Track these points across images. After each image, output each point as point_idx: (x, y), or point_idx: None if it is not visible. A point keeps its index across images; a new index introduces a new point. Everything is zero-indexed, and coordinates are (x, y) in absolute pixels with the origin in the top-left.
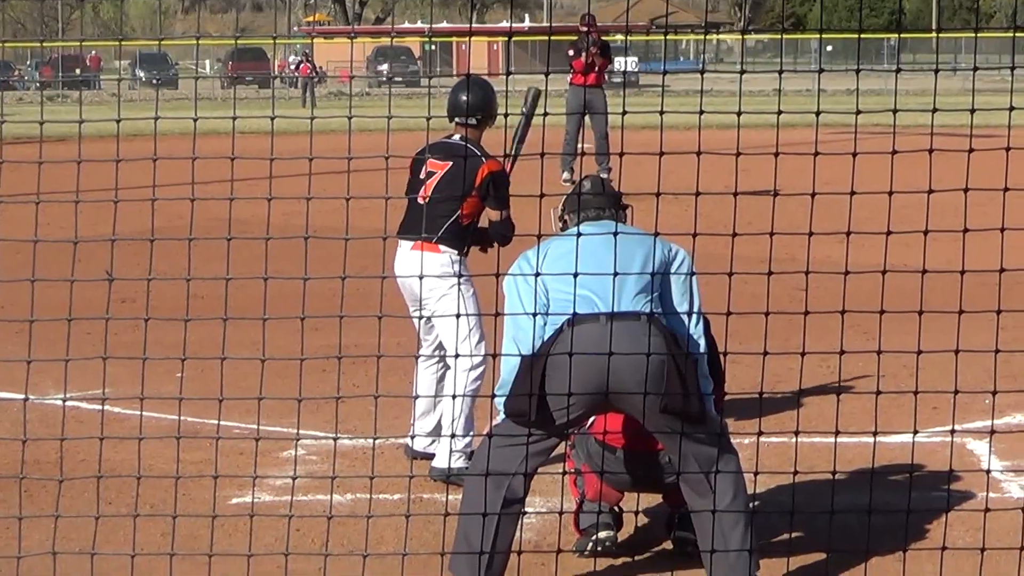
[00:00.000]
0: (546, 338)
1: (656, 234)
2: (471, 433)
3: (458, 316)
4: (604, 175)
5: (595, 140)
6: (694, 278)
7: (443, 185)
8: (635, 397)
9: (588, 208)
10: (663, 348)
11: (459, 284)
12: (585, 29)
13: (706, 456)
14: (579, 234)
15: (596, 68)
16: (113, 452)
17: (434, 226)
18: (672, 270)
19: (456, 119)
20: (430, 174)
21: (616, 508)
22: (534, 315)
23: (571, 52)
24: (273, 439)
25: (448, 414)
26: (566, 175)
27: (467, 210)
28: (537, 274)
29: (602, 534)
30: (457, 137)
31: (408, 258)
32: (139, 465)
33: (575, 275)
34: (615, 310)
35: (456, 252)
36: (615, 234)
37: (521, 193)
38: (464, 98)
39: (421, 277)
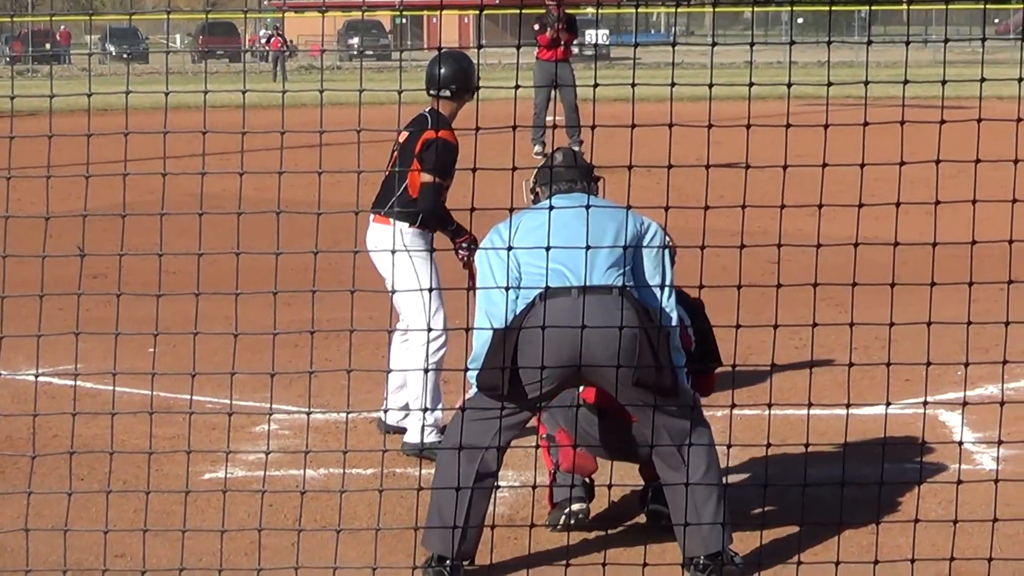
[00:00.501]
0: (518, 312)
1: (628, 207)
2: (439, 406)
3: (409, 290)
4: (576, 147)
5: (565, 112)
6: (666, 251)
7: (399, 157)
8: (607, 370)
9: (560, 181)
10: (635, 321)
11: (410, 256)
12: (552, 2)
13: (679, 429)
14: (551, 207)
15: (562, 42)
16: (85, 428)
17: (385, 199)
18: (644, 243)
19: (430, 92)
20: (396, 146)
21: (588, 480)
22: (506, 289)
23: (536, 27)
24: (246, 414)
25: (413, 388)
26: (537, 148)
27: (412, 180)
28: (509, 248)
29: (575, 507)
30: (427, 109)
31: (369, 231)
32: (111, 441)
33: (547, 249)
34: (587, 284)
35: (407, 224)
36: (587, 207)
37: (492, 167)
38: (437, 71)
39: (368, 251)
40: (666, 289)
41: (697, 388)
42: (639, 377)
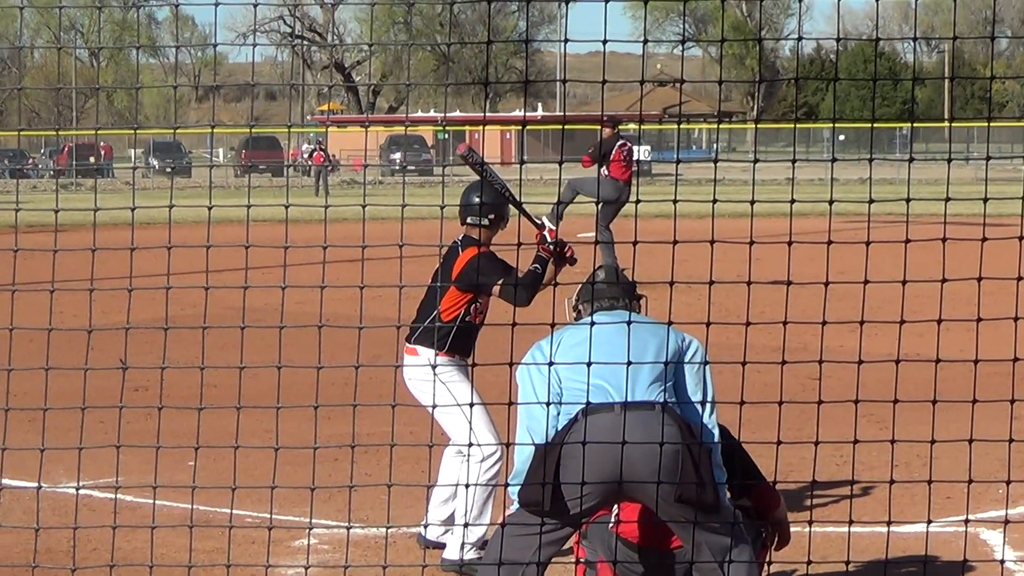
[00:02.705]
0: (559, 427)
1: (670, 323)
2: (486, 523)
3: (434, 407)
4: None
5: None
6: (707, 367)
7: (430, 288)
8: (649, 486)
9: (602, 298)
10: (677, 437)
11: (439, 381)
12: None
13: (720, 546)
14: (592, 323)
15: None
16: (125, 541)
17: (413, 328)
18: (686, 359)
19: (467, 220)
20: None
21: None
22: (547, 404)
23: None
24: (285, 528)
25: (463, 504)
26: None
27: (445, 304)
28: (551, 363)
29: None
30: (459, 238)
31: (404, 363)
32: (151, 554)
33: (588, 364)
34: (629, 399)
35: (435, 352)
36: (628, 323)
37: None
38: (475, 199)
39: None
40: (708, 405)
41: (762, 504)
42: (681, 493)
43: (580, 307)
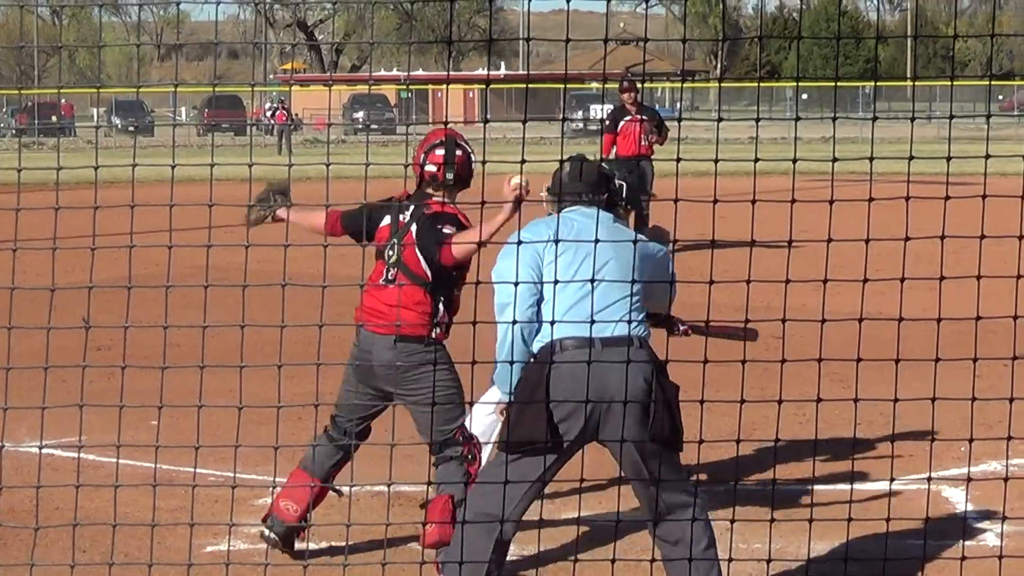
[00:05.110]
0: (535, 345)
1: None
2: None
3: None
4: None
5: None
6: (674, 275)
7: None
8: (624, 424)
9: (575, 192)
10: (651, 375)
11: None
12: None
13: (680, 503)
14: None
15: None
16: (88, 500)
17: None
18: (657, 273)
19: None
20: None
21: None
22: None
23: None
24: (249, 487)
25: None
26: None
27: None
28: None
29: None
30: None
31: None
32: (114, 513)
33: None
34: (605, 331)
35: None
36: (602, 241)
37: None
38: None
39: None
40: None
41: None
42: (654, 433)
43: (550, 199)
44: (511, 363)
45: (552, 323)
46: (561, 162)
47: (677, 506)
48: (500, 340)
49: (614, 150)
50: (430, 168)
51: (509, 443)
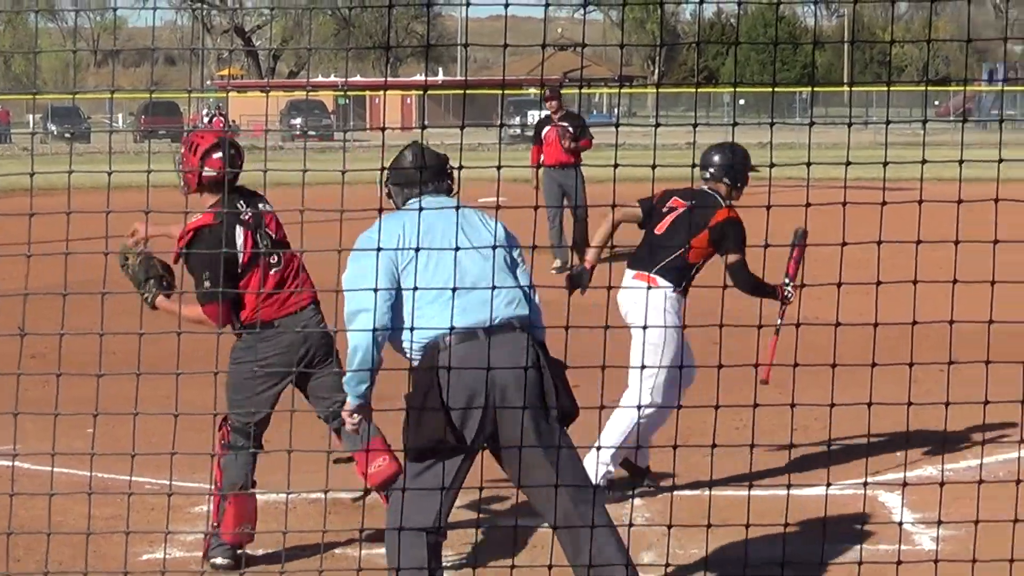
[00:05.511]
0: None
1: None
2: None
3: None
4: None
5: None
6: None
7: (673, 224)
8: (520, 411)
9: (421, 181)
10: (540, 358)
11: (668, 312)
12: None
13: (583, 501)
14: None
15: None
16: (23, 508)
17: (648, 259)
18: (515, 254)
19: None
20: (666, 211)
21: None
22: (417, 290)
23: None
24: (184, 494)
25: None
26: (557, 263)
27: (693, 246)
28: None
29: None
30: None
31: (626, 286)
32: (49, 521)
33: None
34: (493, 319)
35: (672, 288)
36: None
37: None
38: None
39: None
40: (535, 292)
41: None
42: (561, 404)
43: (395, 190)
44: (369, 371)
45: (411, 329)
46: (401, 150)
47: (578, 508)
48: (353, 348)
49: (541, 159)
50: (209, 172)
51: (415, 451)
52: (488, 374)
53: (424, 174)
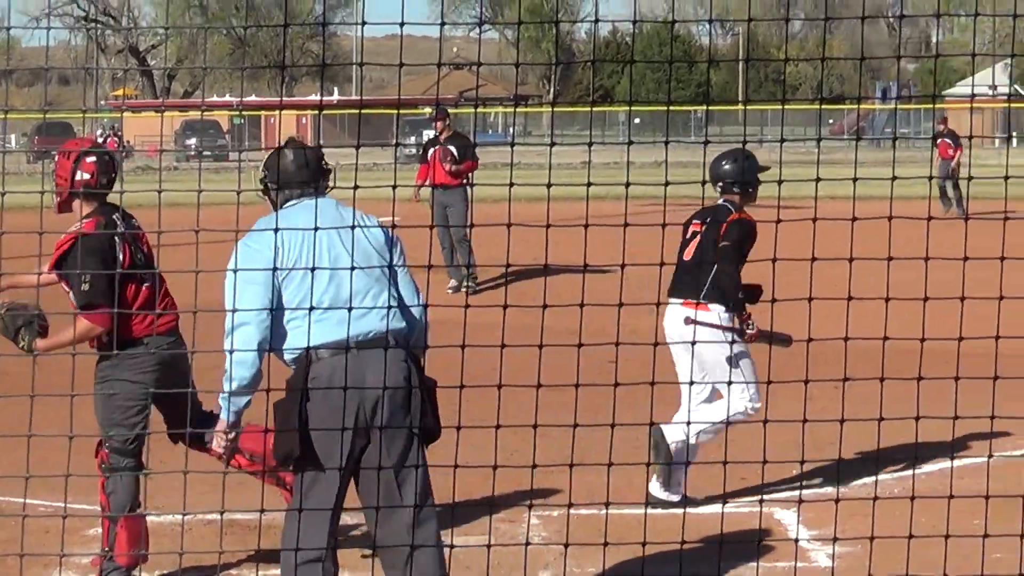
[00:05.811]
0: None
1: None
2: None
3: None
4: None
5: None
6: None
7: (700, 246)
8: (395, 425)
9: (301, 181)
10: (412, 373)
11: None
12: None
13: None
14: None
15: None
16: None
17: (689, 284)
18: (397, 261)
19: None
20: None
21: None
22: (311, 309)
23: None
24: (80, 516)
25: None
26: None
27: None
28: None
29: None
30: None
31: (672, 317)
32: None
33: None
34: (367, 333)
35: (723, 308)
36: (353, 228)
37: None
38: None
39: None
40: (420, 299)
41: None
42: (424, 430)
43: (274, 187)
44: (248, 387)
45: (283, 345)
46: (277, 149)
47: (414, 529)
48: (235, 362)
49: (428, 179)
50: (84, 176)
51: (280, 458)
52: (360, 386)
53: (304, 174)
